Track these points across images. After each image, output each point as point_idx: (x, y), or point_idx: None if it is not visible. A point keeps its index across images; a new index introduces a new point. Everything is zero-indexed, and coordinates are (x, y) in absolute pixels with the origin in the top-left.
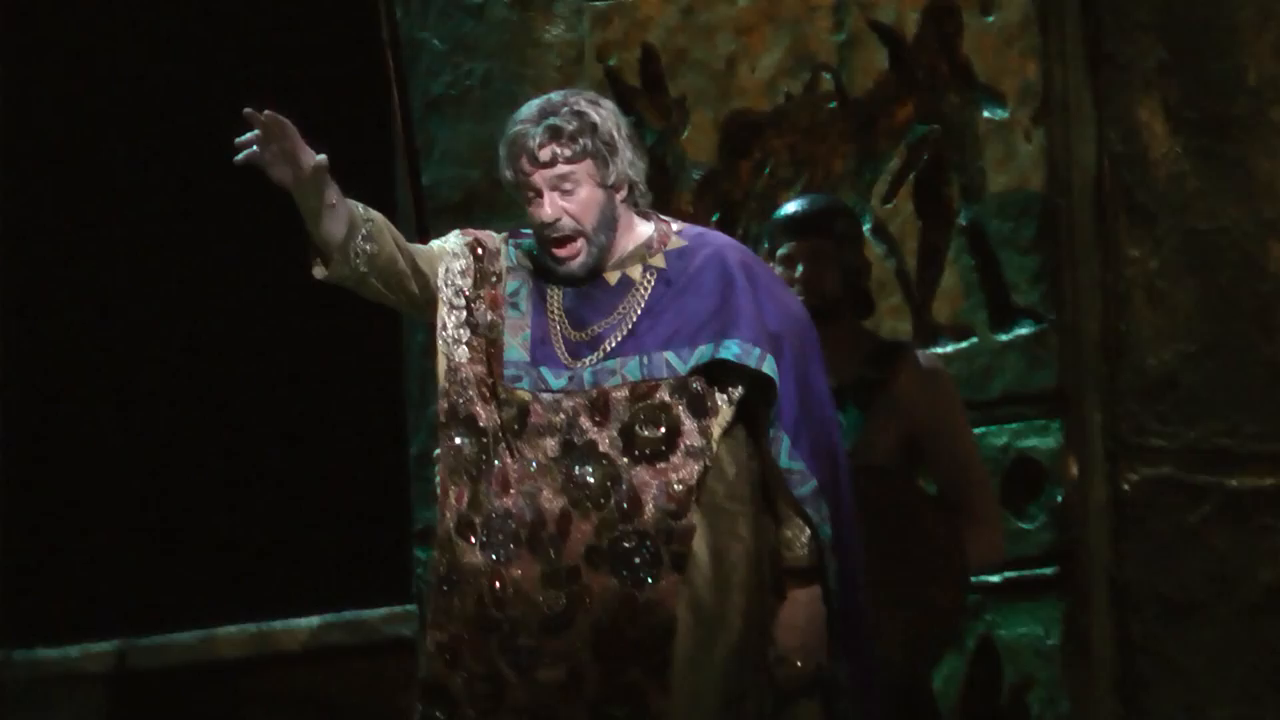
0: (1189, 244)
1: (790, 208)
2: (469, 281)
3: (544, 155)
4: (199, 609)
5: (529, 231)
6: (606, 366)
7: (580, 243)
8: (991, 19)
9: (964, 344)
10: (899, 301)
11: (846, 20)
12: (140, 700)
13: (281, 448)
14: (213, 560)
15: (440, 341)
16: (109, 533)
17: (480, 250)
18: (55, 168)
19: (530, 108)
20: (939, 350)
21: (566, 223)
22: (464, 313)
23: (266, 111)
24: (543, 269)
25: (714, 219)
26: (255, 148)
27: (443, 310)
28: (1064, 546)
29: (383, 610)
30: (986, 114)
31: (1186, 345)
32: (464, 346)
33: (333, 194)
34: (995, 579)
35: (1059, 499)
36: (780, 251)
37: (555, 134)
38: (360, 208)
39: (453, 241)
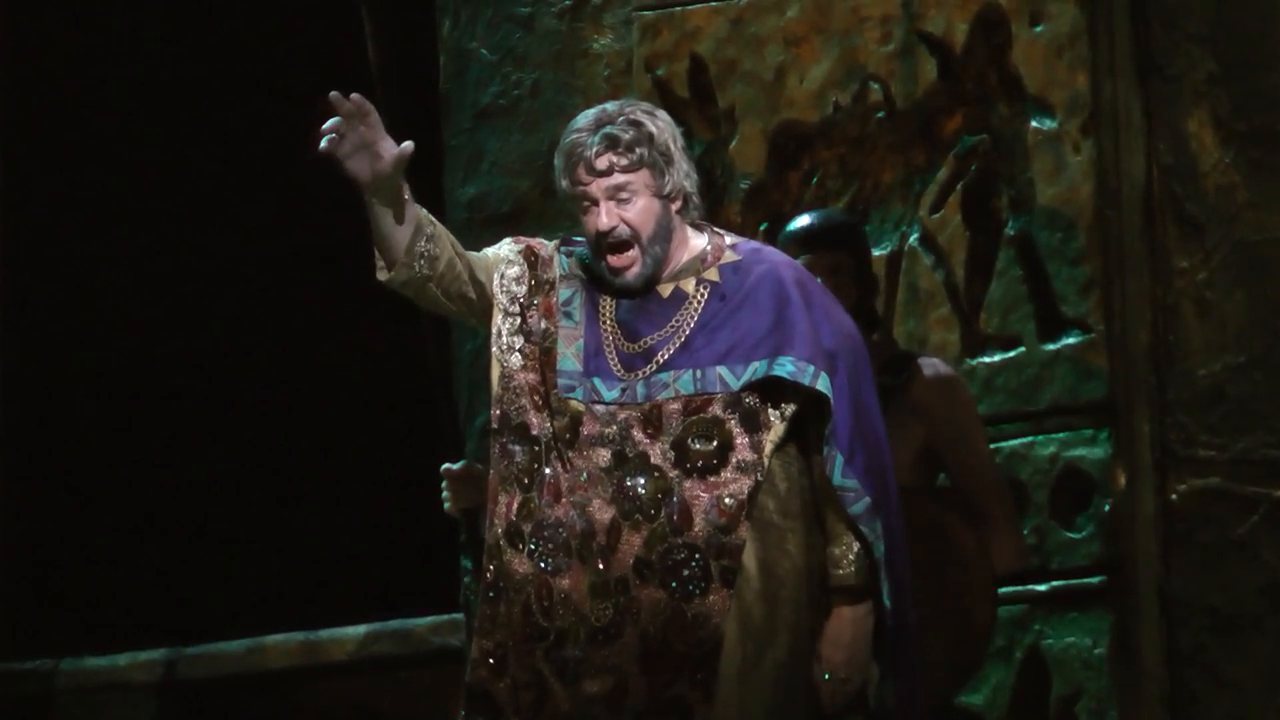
0: (1238, 255)
1: (805, 221)
2: (523, 289)
3: (601, 164)
4: (248, 618)
5: (581, 240)
6: (659, 379)
7: (635, 252)
8: (1041, 30)
9: (1012, 354)
10: (947, 312)
11: (896, 31)
12: (189, 709)
13: (331, 457)
14: (262, 570)
15: (494, 348)
16: (159, 542)
17: (534, 257)
18: (74, 160)
19: (586, 117)
20: (987, 360)
21: (622, 231)
22: (518, 319)
23: (353, 95)
24: (596, 279)
25: (762, 229)
26: (336, 135)
27: (497, 317)
28: (1112, 557)
29: (430, 619)
30: (1035, 125)
31: (1235, 356)
32: (517, 354)
33: (405, 191)
34: (1042, 588)
35: (1107, 509)
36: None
37: (612, 143)
38: (421, 209)
39: (506, 248)
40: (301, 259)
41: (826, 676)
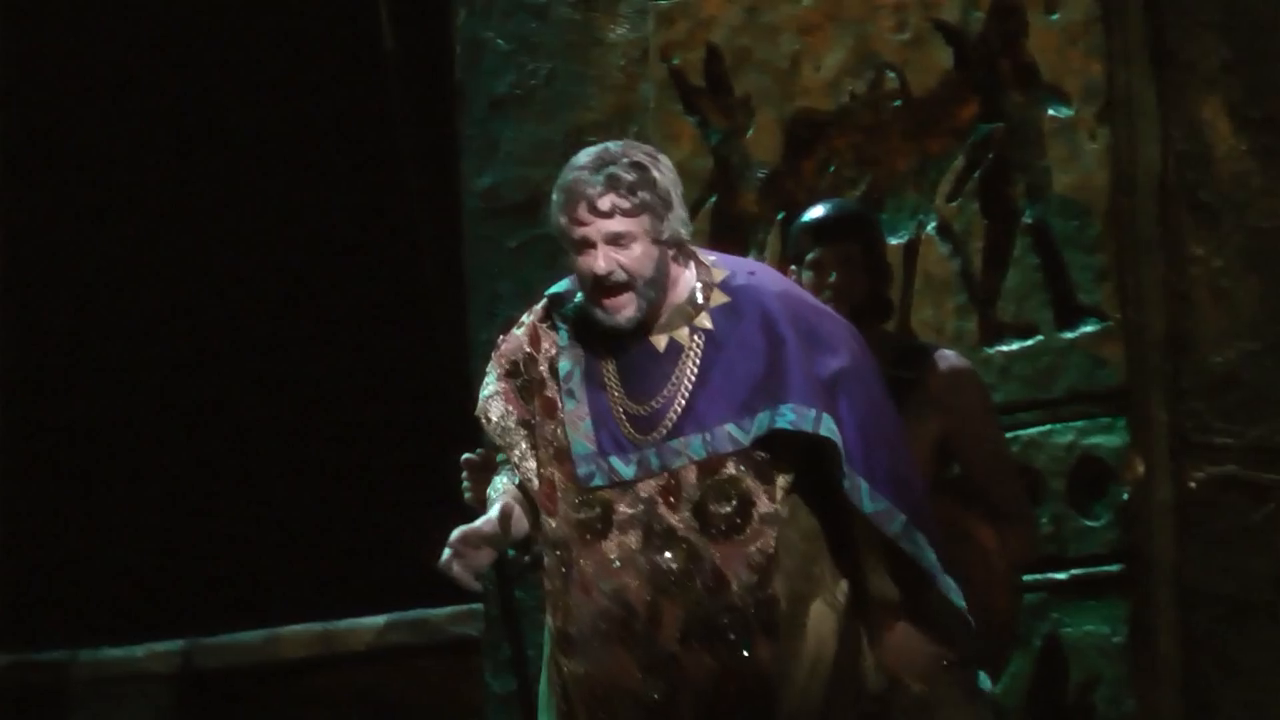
0: (1252, 242)
1: (817, 213)
2: (514, 416)
3: (603, 205)
4: (264, 609)
5: (565, 289)
6: (671, 447)
7: (629, 295)
8: (1055, 18)
9: (1028, 342)
10: (963, 300)
11: (910, 19)
12: (206, 700)
13: (348, 448)
14: (278, 560)
15: (525, 480)
16: (176, 533)
17: (515, 367)
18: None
19: (588, 155)
20: (1003, 348)
21: (619, 275)
22: (525, 441)
23: (454, 537)
24: (592, 338)
25: (779, 218)
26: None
27: (514, 455)
28: (1129, 545)
29: (448, 609)
30: (1050, 113)
31: (1250, 343)
32: (533, 476)
33: (504, 528)
34: (1060, 576)
35: (1124, 497)
36: (809, 257)
37: (615, 184)
38: (507, 509)
39: (490, 389)
40: (316, 248)
41: (897, 686)
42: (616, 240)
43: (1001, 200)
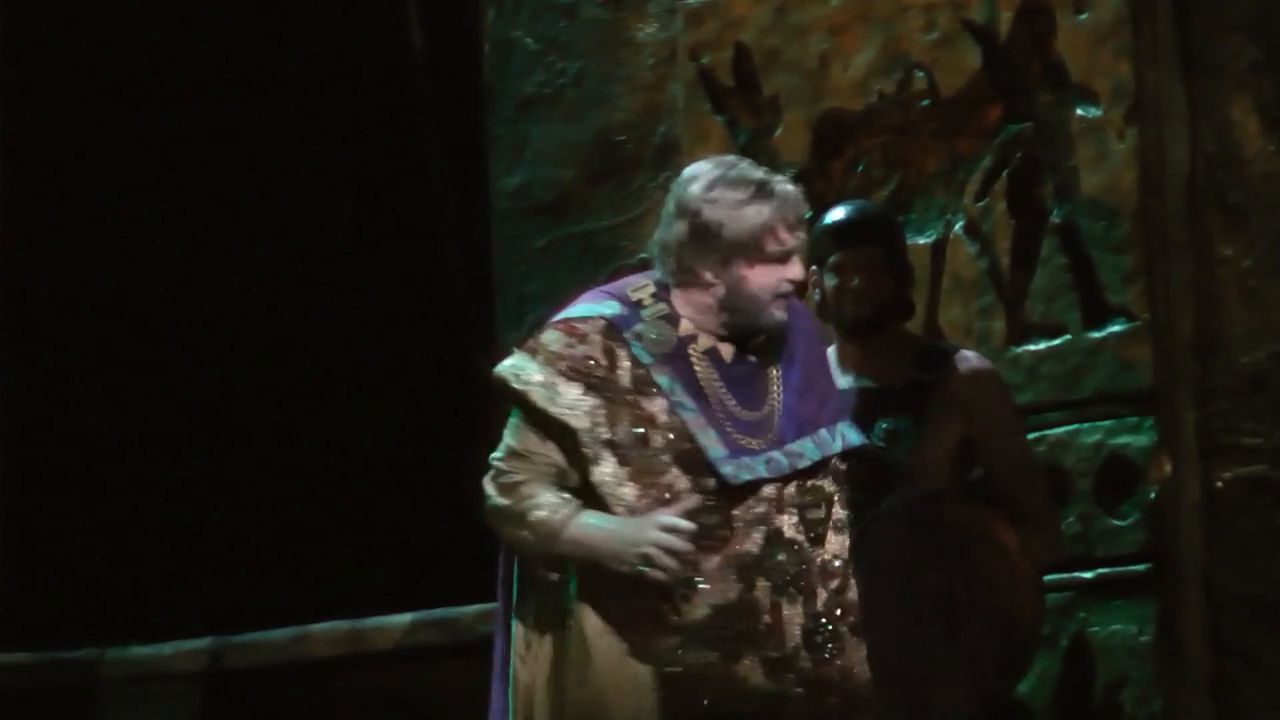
0: None
1: (839, 215)
2: (602, 417)
3: (802, 223)
4: (292, 607)
5: (616, 312)
6: (792, 449)
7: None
8: (1084, 18)
9: (1056, 342)
10: (991, 301)
11: (939, 19)
12: (234, 698)
13: (375, 446)
14: (307, 558)
15: (610, 501)
16: (204, 531)
17: (597, 380)
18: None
19: (762, 170)
20: (1031, 348)
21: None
22: (611, 453)
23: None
24: (678, 354)
25: (805, 217)
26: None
27: (598, 471)
28: (1156, 545)
29: (475, 608)
30: (1079, 113)
31: (1278, 344)
32: (627, 487)
33: None
34: (1087, 576)
35: (1151, 497)
36: (832, 260)
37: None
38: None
39: (572, 400)
40: (346, 248)
41: None
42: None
43: (1030, 200)
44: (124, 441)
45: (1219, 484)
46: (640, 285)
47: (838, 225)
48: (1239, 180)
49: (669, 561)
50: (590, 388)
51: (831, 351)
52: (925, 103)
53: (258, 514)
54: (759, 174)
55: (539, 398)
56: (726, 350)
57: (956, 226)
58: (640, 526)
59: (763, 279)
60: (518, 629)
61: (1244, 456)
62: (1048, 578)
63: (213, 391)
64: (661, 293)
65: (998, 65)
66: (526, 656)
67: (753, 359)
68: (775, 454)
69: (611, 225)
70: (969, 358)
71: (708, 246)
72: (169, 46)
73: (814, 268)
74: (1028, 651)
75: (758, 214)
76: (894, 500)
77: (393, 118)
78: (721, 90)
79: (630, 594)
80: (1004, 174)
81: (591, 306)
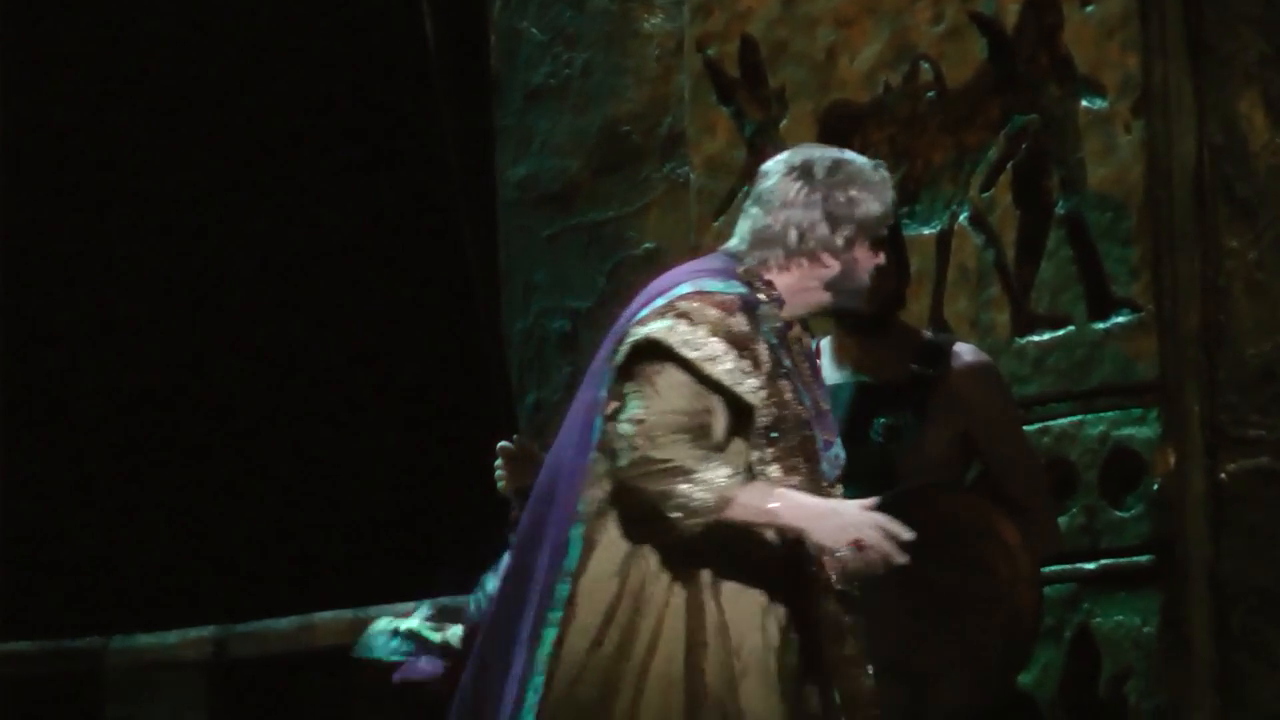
0: None
1: None
2: (764, 395)
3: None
4: (296, 596)
5: (736, 294)
6: (837, 451)
7: None
8: (1091, 10)
9: (1062, 333)
10: (997, 292)
11: (946, 12)
12: (238, 686)
13: (381, 437)
14: (310, 548)
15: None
16: (209, 520)
17: (747, 350)
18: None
19: (887, 181)
20: (1037, 339)
21: None
22: (763, 437)
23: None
24: (782, 339)
25: None
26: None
27: (753, 447)
28: (1161, 537)
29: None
30: (1086, 105)
31: None
32: (772, 467)
33: None
34: (1091, 567)
35: (1156, 489)
36: None
37: None
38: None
39: (756, 376)
40: (350, 236)
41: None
42: None
43: (1036, 192)
44: (129, 431)
45: (1225, 476)
46: (737, 268)
47: None
48: (1246, 173)
49: (886, 548)
50: (752, 362)
51: (825, 345)
52: (931, 95)
53: (263, 503)
54: (870, 162)
55: (709, 364)
56: (807, 339)
57: (962, 218)
58: (850, 510)
59: (868, 263)
60: (588, 610)
61: (1250, 449)
62: (1051, 569)
63: (219, 382)
64: (761, 276)
65: (1004, 57)
66: (605, 635)
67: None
68: (838, 450)
69: (618, 216)
70: (966, 351)
71: (837, 228)
72: (174, 37)
73: None
74: (1029, 646)
75: (879, 200)
76: (888, 495)
77: (403, 110)
78: (728, 82)
79: (763, 573)
80: (1010, 165)
81: (719, 283)
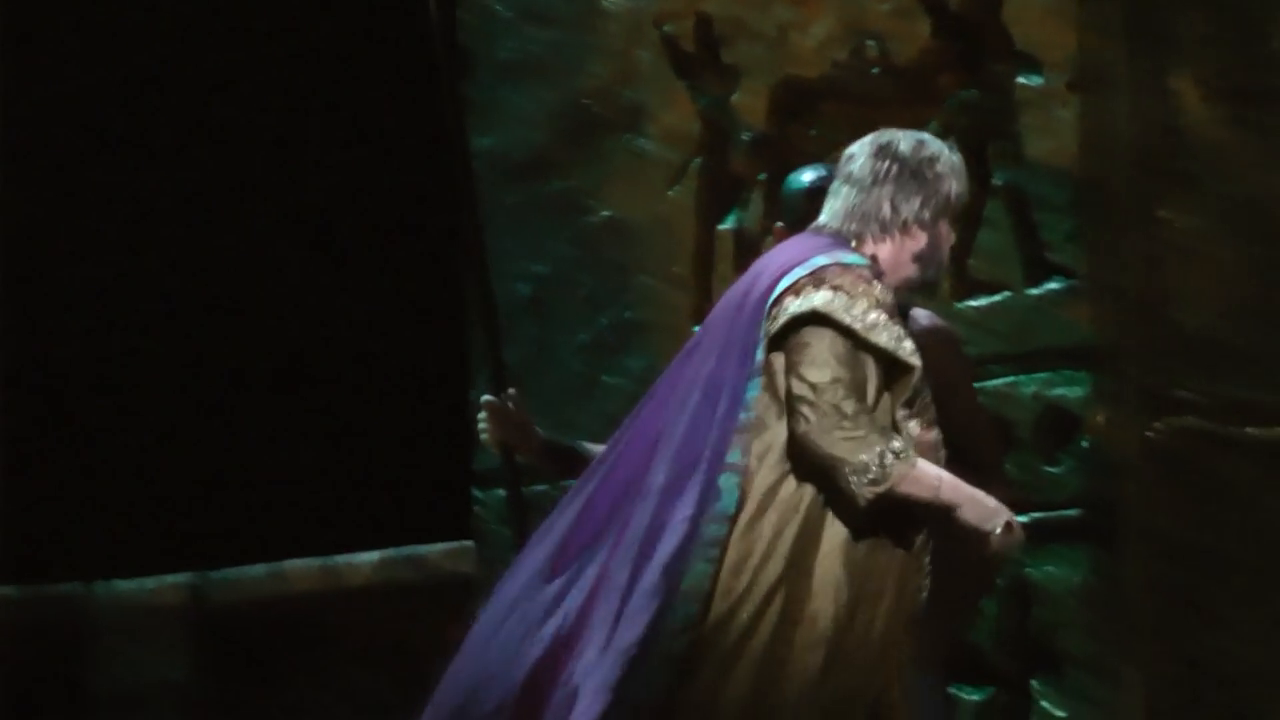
0: (1222, 208)
1: (814, 179)
2: (914, 351)
3: None
4: (270, 544)
5: (860, 259)
6: None
7: None
8: None
9: (1000, 298)
10: None
11: None
12: (216, 631)
13: (352, 394)
14: (284, 497)
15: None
16: (185, 469)
17: (895, 318)
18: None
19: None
20: (975, 304)
21: None
22: (912, 407)
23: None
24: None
25: (759, 178)
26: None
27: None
28: (1094, 492)
29: (441, 546)
30: (1025, 81)
31: (1218, 303)
32: (914, 422)
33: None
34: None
35: (1090, 446)
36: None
37: None
38: None
39: (881, 330)
40: (320, 197)
41: None
42: None
43: (977, 163)
44: (107, 382)
45: (1155, 434)
46: (851, 243)
47: (813, 188)
48: (1182, 148)
49: (1021, 535)
50: (901, 327)
51: None
52: (877, 71)
53: (240, 451)
54: (946, 143)
55: (870, 333)
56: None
57: None
58: (991, 498)
59: (950, 238)
60: (740, 553)
61: (1181, 409)
62: None
63: (196, 336)
64: (863, 251)
65: (949, 35)
66: (756, 579)
67: None
68: None
69: (580, 185)
70: (924, 316)
71: (927, 202)
72: (160, 32)
73: (780, 224)
74: (985, 596)
75: (958, 178)
76: None
77: (381, 87)
78: (685, 57)
79: (902, 533)
80: (951, 138)
81: (851, 257)
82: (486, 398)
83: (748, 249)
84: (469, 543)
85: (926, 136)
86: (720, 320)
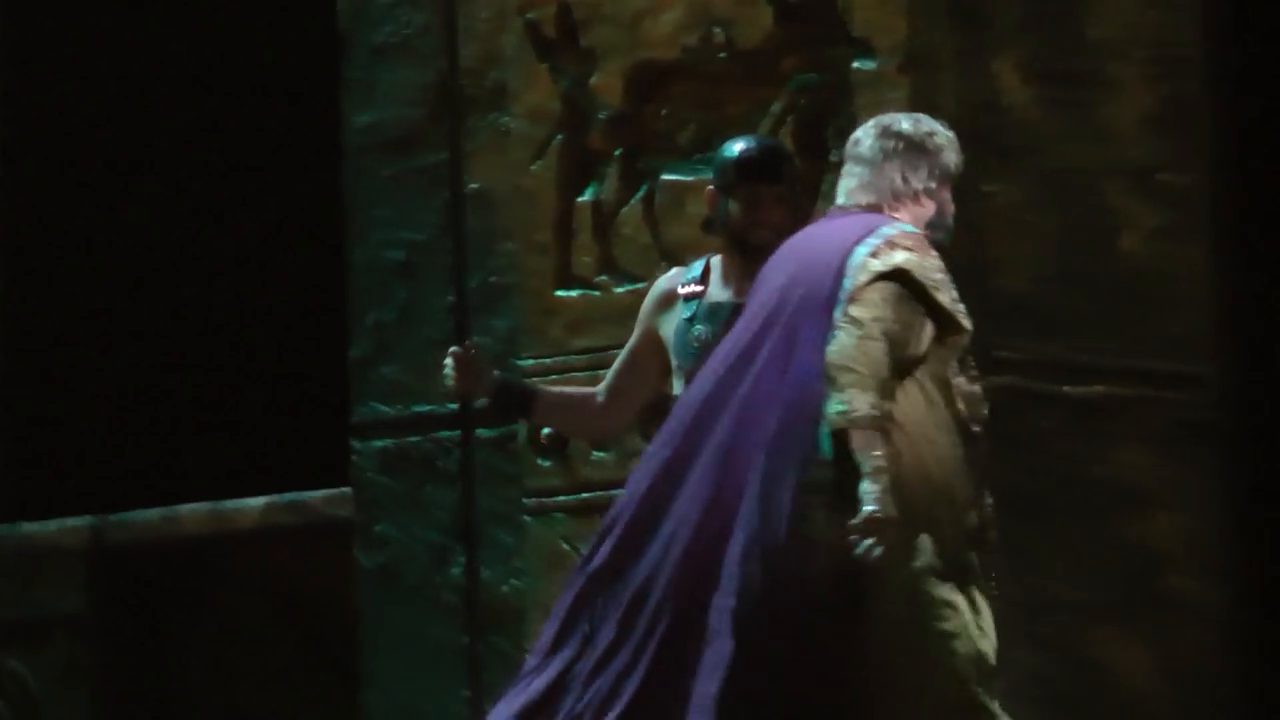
0: (1040, 181)
1: (745, 149)
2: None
3: None
4: (165, 489)
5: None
6: None
7: None
8: None
9: None
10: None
11: None
12: (116, 572)
13: (241, 353)
14: (177, 446)
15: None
16: (93, 414)
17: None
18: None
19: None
20: None
21: None
22: (959, 362)
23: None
24: None
25: (615, 154)
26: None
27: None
28: None
29: (322, 492)
30: (860, 65)
31: (1037, 270)
32: (960, 376)
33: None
34: None
35: None
36: (744, 189)
37: None
38: None
39: (941, 289)
40: (220, 167)
41: None
42: None
43: (815, 141)
44: (14, 339)
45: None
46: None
47: (749, 159)
48: (1003, 125)
49: (871, 556)
50: (956, 290)
51: (715, 263)
52: (724, 55)
53: (138, 404)
54: (940, 121)
55: (937, 292)
56: None
57: None
58: (896, 524)
59: (951, 204)
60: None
61: (1003, 368)
62: None
63: (100, 295)
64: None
65: (790, 22)
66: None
67: None
68: None
69: (450, 158)
70: None
71: (932, 172)
72: (138, 39)
73: (713, 188)
74: None
75: (954, 150)
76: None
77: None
78: (547, 41)
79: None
80: (790, 118)
81: (904, 224)
82: (454, 349)
83: (605, 218)
84: (347, 489)
85: (921, 116)
86: (774, 306)
